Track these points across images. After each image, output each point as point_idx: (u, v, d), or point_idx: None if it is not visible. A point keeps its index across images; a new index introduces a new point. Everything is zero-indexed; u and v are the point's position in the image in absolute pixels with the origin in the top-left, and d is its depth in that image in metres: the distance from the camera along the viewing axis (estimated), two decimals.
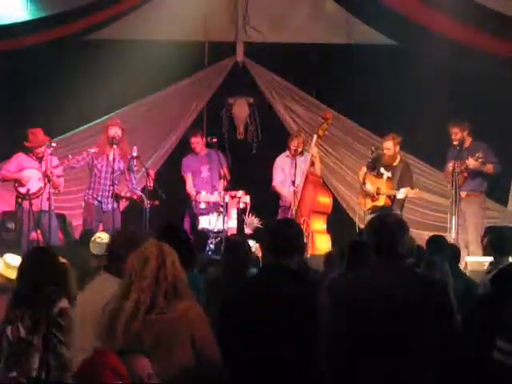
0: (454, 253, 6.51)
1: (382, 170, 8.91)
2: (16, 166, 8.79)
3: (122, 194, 8.85)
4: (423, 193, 9.28)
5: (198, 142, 9.48)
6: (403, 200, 8.92)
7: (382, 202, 8.77)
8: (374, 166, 8.96)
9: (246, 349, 3.61)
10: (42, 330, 4.23)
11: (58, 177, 8.74)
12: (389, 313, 3.38)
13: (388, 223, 3.57)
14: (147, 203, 8.54)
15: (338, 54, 10.52)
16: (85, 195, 8.92)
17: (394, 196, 8.76)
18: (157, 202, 8.67)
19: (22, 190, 8.66)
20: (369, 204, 8.84)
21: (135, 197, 8.80)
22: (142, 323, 3.41)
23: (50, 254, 4.56)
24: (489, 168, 8.73)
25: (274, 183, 9.25)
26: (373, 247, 3.55)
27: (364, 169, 8.98)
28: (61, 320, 4.23)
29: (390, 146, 8.94)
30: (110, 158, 8.77)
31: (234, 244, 5.66)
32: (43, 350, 4.21)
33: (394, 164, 8.94)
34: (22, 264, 4.55)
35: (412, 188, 8.78)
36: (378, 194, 8.80)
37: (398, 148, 8.97)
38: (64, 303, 4.29)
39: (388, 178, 8.88)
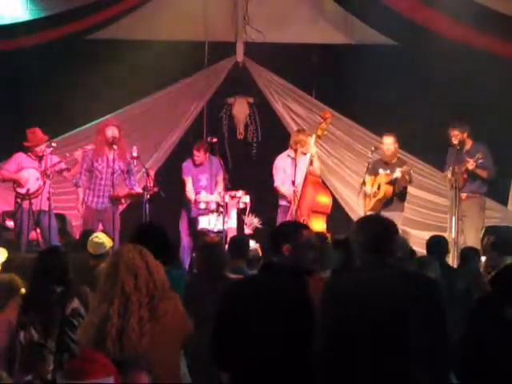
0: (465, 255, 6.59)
1: (381, 170, 8.91)
2: (15, 165, 8.79)
3: (121, 195, 8.84)
4: (418, 164, 9.15)
5: (199, 156, 9.39)
6: (403, 189, 8.92)
7: (382, 193, 8.78)
8: (373, 171, 8.96)
9: (244, 348, 3.61)
10: (54, 332, 4.26)
11: (69, 170, 8.83)
12: (380, 311, 3.38)
13: (377, 222, 3.60)
14: (148, 192, 8.53)
15: (338, 54, 10.53)
16: (84, 196, 8.90)
17: (394, 184, 8.75)
18: (156, 189, 8.64)
19: (21, 190, 8.66)
20: (371, 202, 8.81)
21: (134, 193, 8.79)
22: (147, 335, 3.33)
23: (58, 256, 4.58)
24: (483, 173, 8.73)
25: (276, 184, 9.22)
26: (363, 246, 3.55)
27: (365, 176, 9.01)
28: (74, 320, 4.25)
29: (390, 142, 8.94)
30: (110, 158, 8.74)
31: (207, 245, 5.60)
32: (57, 351, 4.23)
33: (392, 161, 8.95)
34: (33, 268, 4.58)
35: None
36: (378, 188, 8.81)
37: (397, 145, 8.99)
38: (76, 303, 4.32)
39: (386, 174, 8.87)
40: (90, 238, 6.29)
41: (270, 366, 3.54)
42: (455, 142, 8.76)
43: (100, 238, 6.33)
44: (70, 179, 8.98)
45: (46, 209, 8.48)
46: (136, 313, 3.32)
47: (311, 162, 9.00)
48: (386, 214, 8.48)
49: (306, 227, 4.01)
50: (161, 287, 3.43)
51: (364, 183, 8.85)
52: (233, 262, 5.73)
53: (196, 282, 5.25)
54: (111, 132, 8.76)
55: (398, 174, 8.73)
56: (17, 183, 8.72)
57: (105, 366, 2.88)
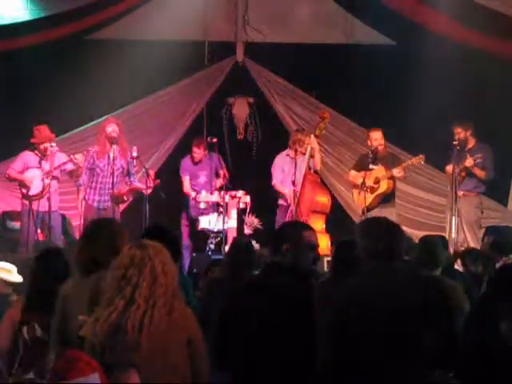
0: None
1: (372, 166, 8.86)
2: (22, 165, 8.79)
3: (123, 192, 8.82)
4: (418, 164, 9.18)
5: (199, 153, 9.42)
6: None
7: (384, 187, 8.74)
8: (360, 167, 8.94)
9: (245, 348, 3.62)
10: None
11: (72, 174, 8.84)
12: (392, 313, 3.39)
13: (384, 225, 3.62)
14: (149, 187, 8.53)
15: (338, 54, 10.53)
16: (85, 195, 8.91)
17: (394, 178, 8.77)
18: (157, 182, 8.65)
19: (26, 191, 8.66)
20: (370, 197, 8.77)
21: (135, 187, 8.77)
22: (154, 328, 3.32)
23: (61, 256, 4.60)
24: (481, 173, 8.74)
25: (273, 182, 9.24)
26: (370, 250, 3.55)
27: (352, 172, 8.99)
28: None
29: (379, 136, 8.92)
30: (111, 157, 8.74)
31: (237, 245, 5.66)
32: None
33: (383, 155, 8.93)
34: (33, 266, 4.59)
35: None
36: (377, 182, 8.77)
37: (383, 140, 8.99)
38: None
39: (385, 169, 8.84)
40: None
41: (270, 365, 3.55)
42: (458, 138, 8.76)
43: None
44: (74, 180, 8.97)
45: (52, 209, 8.50)
46: (163, 296, 3.35)
47: (312, 156, 8.96)
48: (382, 209, 8.51)
49: (308, 227, 4.01)
50: (175, 282, 3.47)
51: (364, 183, 8.77)
52: None
53: (222, 281, 5.26)
54: (111, 129, 8.74)
55: (400, 173, 8.73)
56: (22, 184, 8.72)
57: (88, 364, 2.87)
